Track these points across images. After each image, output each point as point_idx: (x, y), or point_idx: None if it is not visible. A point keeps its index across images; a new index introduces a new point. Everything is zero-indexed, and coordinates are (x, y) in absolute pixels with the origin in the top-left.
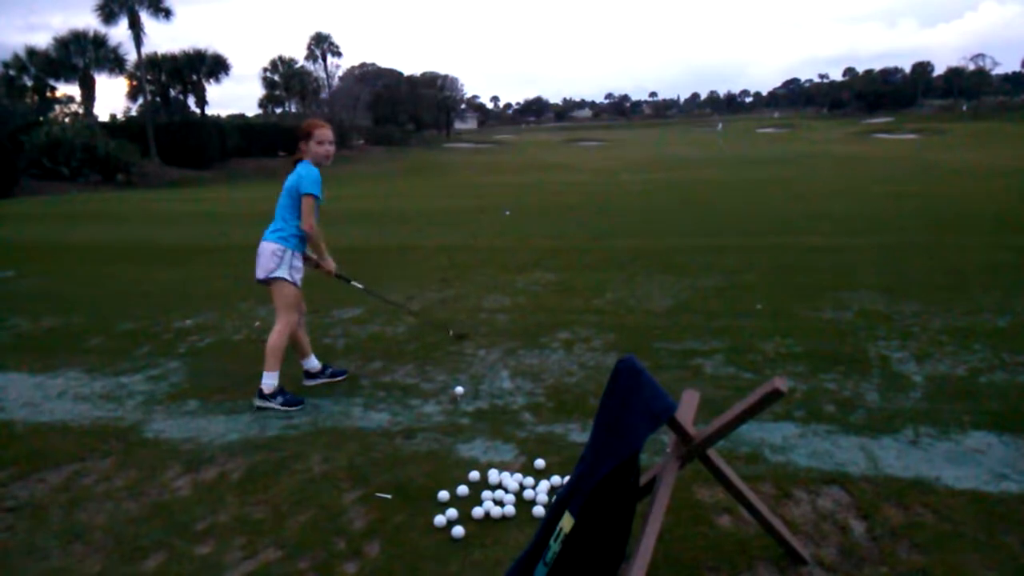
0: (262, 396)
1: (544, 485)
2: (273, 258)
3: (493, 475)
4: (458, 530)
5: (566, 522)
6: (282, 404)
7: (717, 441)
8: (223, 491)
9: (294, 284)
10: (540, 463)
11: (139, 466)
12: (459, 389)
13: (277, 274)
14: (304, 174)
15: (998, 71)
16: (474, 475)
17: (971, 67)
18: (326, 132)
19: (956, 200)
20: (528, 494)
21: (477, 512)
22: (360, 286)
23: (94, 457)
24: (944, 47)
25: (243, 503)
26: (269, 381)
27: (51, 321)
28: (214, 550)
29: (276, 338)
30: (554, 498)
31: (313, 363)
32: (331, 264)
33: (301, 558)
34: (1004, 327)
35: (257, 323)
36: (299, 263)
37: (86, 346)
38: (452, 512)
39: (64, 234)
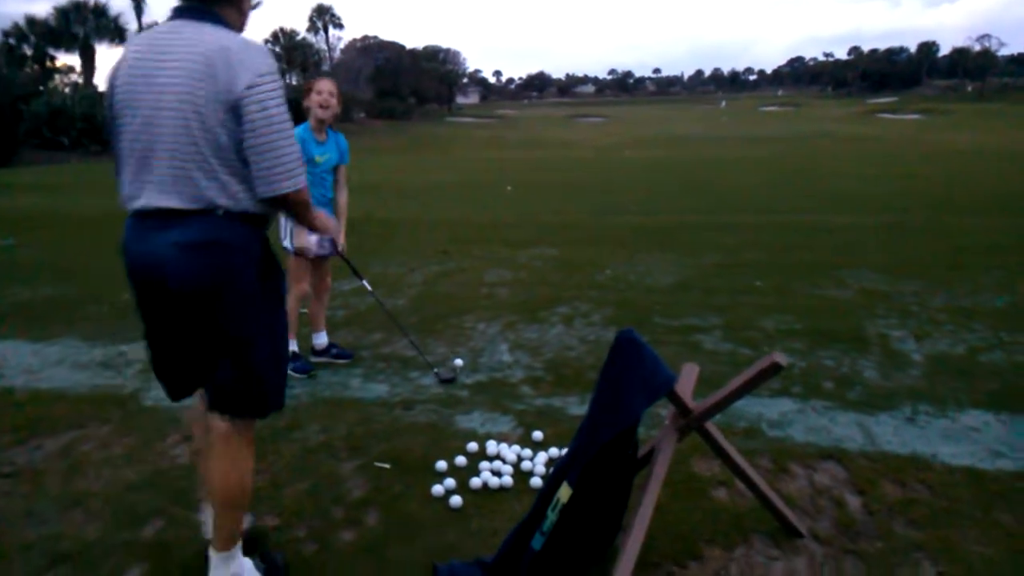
0: None
1: (542, 457)
2: (280, 228)
3: (491, 446)
4: (456, 500)
5: (563, 492)
6: (292, 370)
7: (715, 414)
8: None
9: (294, 254)
10: (538, 435)
11: (138, 433)
12: (458, 362)
13: (284, 243)
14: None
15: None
16: (472, 446)
17: (977, 48)
18: (321, 83)
19: (959, 181)
20: (526, 465)
21: (475, 482)
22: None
23: (93, 424)
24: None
25: None
26: None
27: (50, 290)
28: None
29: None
30: (552, 469)
31: (321, 340)
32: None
33: (299, 526)
34: (1003, 307)
35: None
36: (299, 230)
37: (85, 314)
38: (450, 482)
39: (64, 203)
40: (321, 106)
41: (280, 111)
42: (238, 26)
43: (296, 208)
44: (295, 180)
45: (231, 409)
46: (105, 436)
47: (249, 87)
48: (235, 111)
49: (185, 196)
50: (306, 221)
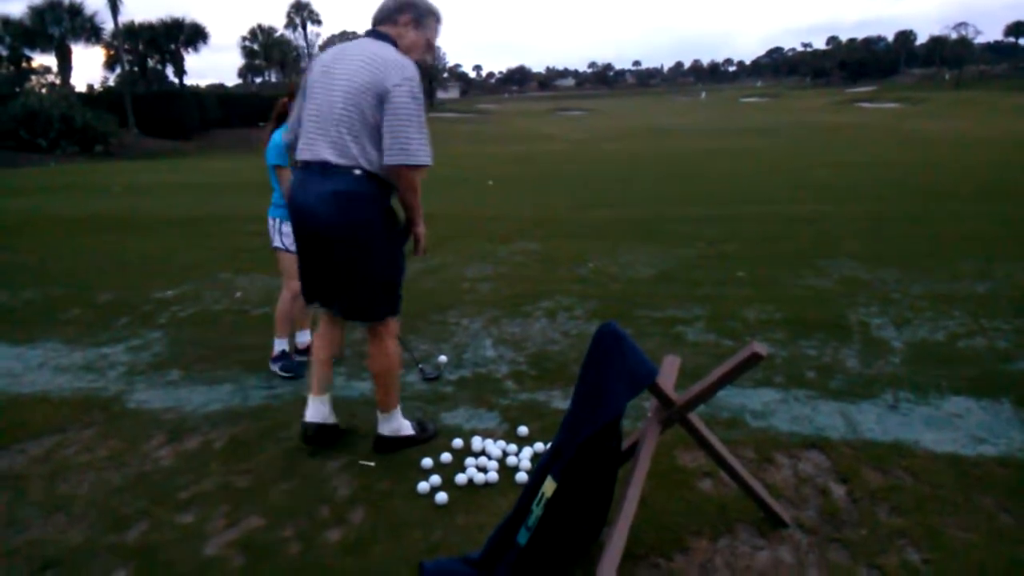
0: (272, 359)
1: (527, 452)
2: (270, 229)
3: (476, 442)
4: (441, 496)
5: (548, 487)
6: (280, 369)
7: (698, 405)
8: (206, 460)
9: (287, 251)
10: (523, 430)
11: (121, 436)
12: (442, 358)
13: (274, 244)
14: (271, 143)
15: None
16: (457, 442)
17: (953, 36)
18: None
19: (937, 169)
20: (511, 461)
21: (460, 479)
22: None
23: (75, 428)
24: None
25: (226, 472)
26: (275, 346)
27: (30, 293)
28: (197, 519)
29: (279, 305)
30: (536, 463)
31: (304, 338)
32: None
33: (285, 526)
34: (983, 293)
35: (238, 293)
36: (289, 229)
37: (66, 317)
38: (436, 479)
39: (42, 206)
40: None
41: (413, 107)
42: (401, 47)
43: (406, 183)
44: (410, 158)
45: (360, 318)
46: (88, 439)
47: (396, 85)
48: (382, 99)
49: (338, 154)
50: (413, 204)
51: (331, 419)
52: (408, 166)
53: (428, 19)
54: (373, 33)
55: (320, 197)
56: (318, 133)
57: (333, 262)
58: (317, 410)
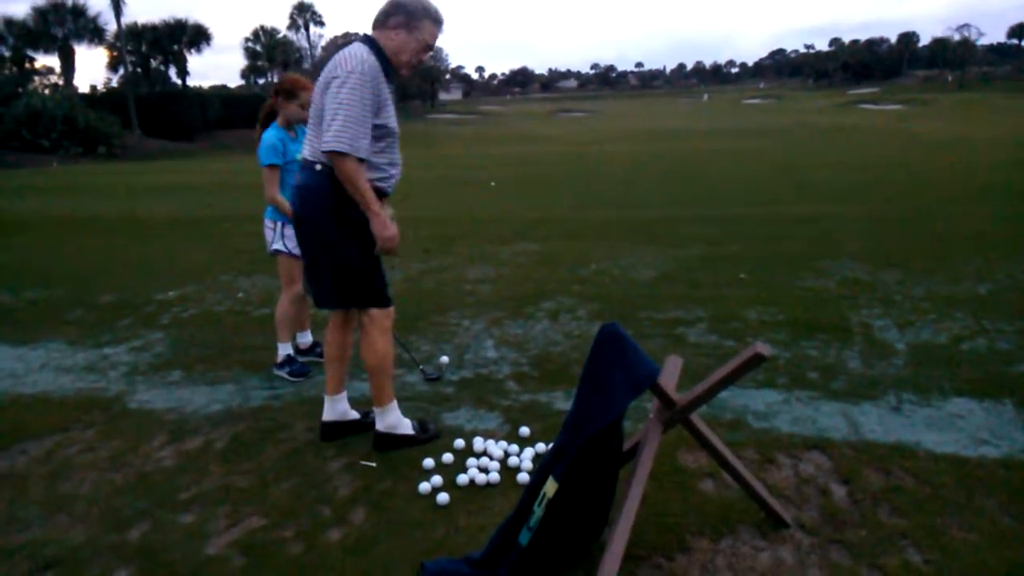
0: (276, 365)
1: (528, 452)
2: (268, 232)
3: (478, 443)
4: (443, 497)
5: (550, 487)
6: (288, 374)
7: (700, 406)
8: (207, 460)
9: (290, 254)
10: (524, 431)
11: (122, 436)
12: (444, 359)
13: (274, 247)
14: (261, 143)
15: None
16: (459, 443)
17: (956, 37)
18: (309, 95)
19: (939, 170)
20: (513, 461)
21: (462, 479)
22: None
23: (77, 428)
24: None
25: (227, 472)
26: (279, 351)
27: (32, 293)
28: (198, 519)
29: (279, 309)
30: (538, 464)
31: (306, 339)
32: None
33: (286, 526)
34: (985, 295)
35: (240, 294)
36: (291, 231)
37: (68, 318)
38: (437, 479)
39: (45, 206)
40: (305, 121)
41: (346, 95)
42: (388, 50)
43: (338, 171)
44: (333, 144)
45: (326, 304)
46: (89, 440)
47: (336, 77)
48: (326, 90)
49: (310, 151)
50: (354, 195)
51: (350, 415)
52: (332, 152)
53: (422, 21)
54: (363, 37)
55: (292, 190)
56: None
57: (307, 251)
58: (332, 409)
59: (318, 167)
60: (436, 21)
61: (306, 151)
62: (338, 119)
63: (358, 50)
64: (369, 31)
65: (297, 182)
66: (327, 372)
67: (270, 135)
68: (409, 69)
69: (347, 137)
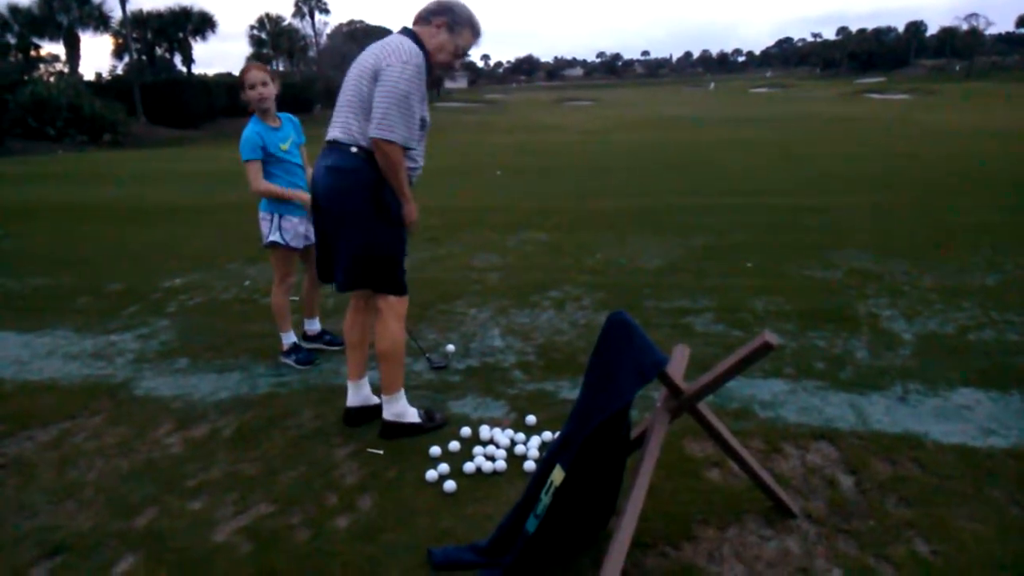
0: (283, 353)
1: (535, 441)
2: (264, 224)
3: (484, 431)
4: (450, 485)
5: (557, 475)
6: (295, 362)
7: (707, 395)
8: (214, 448)
9: (287, 246)
10: (531, 419)
11: (130, 423)
12: (450, 347)
13: (271, 239)
14: (241, 138)
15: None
16: (465, 431)
17: (964, 27)
18: (251, 75)
19: (947, 160)
20: (519, 449)
21: (468, 467)
22: None
23: (84, 415)
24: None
25: (235, 459)
26: (283, 340)
27: (39, 281)
28: (206, 505)
29: (274, 299)
30: (545, 452)
31: (314, 326)
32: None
33: (293, 512)
34: (993, 285)
35: (246, 282)
36: (288, 223)
37: (75, 305)
38: (444, 467)
39: (51, 194)
40: (259, 102)
41: (403, 87)
42: (428, 46)
43: (382, 157)
44: (383, 132)
45: (351, 287)
46: (96, 426)
47: (389, 65)
48: (376, 78)
49: (343, 134)
50: (392, 182)
51: (372, 400)
52: (383, 140)
53: (464, 28)
54: (403, 30)
55: (321, 171)
56: (335, 116)
57: (329, 232)
58: (356, 394)
59: (354, 149)
60: (476, 32)
61: (338, 133)
62: (393, 108)
63: (408, 43)
64: (406, 26)
65: (330, 163)
66: (349, 358)
67: (249, 130)
68: (439, 68)
69: (402, 127)
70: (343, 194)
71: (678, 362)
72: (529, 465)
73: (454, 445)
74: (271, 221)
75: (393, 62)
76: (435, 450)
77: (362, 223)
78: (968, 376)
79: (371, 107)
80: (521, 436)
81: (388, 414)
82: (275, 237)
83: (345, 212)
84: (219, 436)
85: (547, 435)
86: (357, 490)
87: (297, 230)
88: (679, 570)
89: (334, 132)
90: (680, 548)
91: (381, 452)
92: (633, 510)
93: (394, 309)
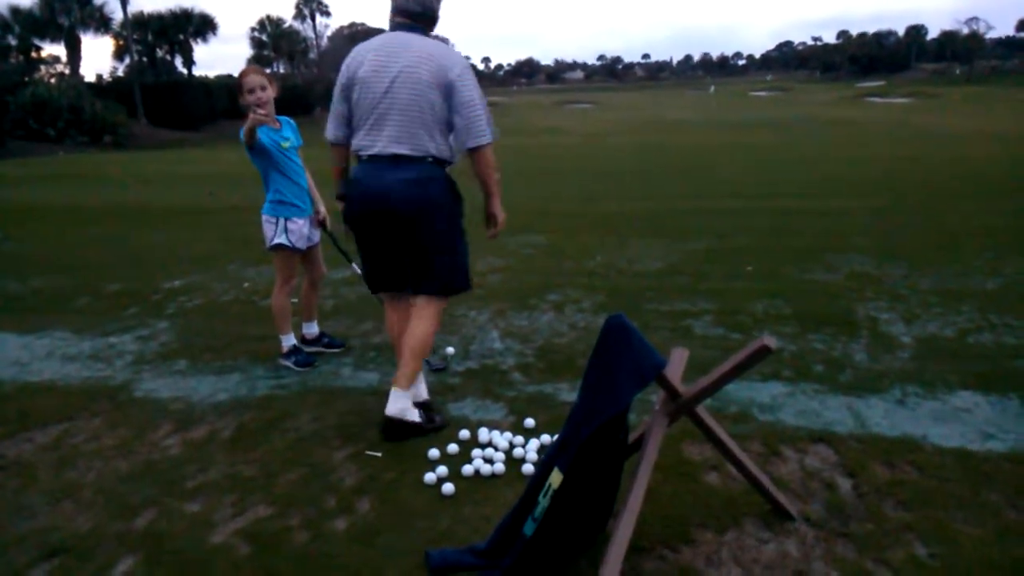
0: (282, 355)
1: (534, 443)
2: (268, 227)
3: (483, 433)
4: (448, 487)
5: (555, 478)
6: (294, 364)
7: (706, 398)
8: (213, 449)
9: (292, 248)
10: (530, 422)
11: (129, 425)
12: (449, 350)
13: (276, 241)
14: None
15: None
16: (464, 433)
17: (965, 31)
18: (249, 79)
19: (947, 164)
20: (518, 452)
21: (467, 470)
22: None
23: (83, 416)
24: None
25: (233, 461)
26: (283, 342)
27: (38, 282)
28: (204, 507)
29: (275, 301)
30: (543, 455)
31: (312, 329)
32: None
33: (291, 514)
34: (993, 289)
35: (246, 284)
36: (294, 225)
37: (74, 307)
38: (442, 469)
39: (51, 195)
40: (258, 106)
41: (477, 91)
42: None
43: (485, 162)
44: (483, 139)
45: (441, 291)
46: (95, 428)
47: (459, 76)
48: (448, 90)
49: (411, 147)
50: (491, 183)
51: (423, 395)
52: (486, 144)
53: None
54: (426, 33)
55: (400, 183)
56: (387, 130)
57: (414, 242)
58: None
59: (429, 160)
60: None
61: (405, 149)
62: (480, 113)
63: (447, 47)
64: (414, 24)
65: (411, 176)
66: (398, 352)
67: (240, 133)
68: None
69: (490, 126)
70: (433, 204)
71: (676, 365)
72: (527, 468)
73: (453, 448)
74: (276, 224)
75: (460, 72)
76: (434, 452)
77: (450, 231)
78: (966, 380)
79: (445, 120)
80: (520, 439)
81: (394, 409)
82: (281, 239)
83: (435, 221)
84: (218, 438)
85: (545, 438)
86: (356, 492)
87: (302, 232)
88: (677, 573)
89: (398, 148)
90: (678, 551)
91: (379, 454)
92: (631, 513)
93: (440, 309)
